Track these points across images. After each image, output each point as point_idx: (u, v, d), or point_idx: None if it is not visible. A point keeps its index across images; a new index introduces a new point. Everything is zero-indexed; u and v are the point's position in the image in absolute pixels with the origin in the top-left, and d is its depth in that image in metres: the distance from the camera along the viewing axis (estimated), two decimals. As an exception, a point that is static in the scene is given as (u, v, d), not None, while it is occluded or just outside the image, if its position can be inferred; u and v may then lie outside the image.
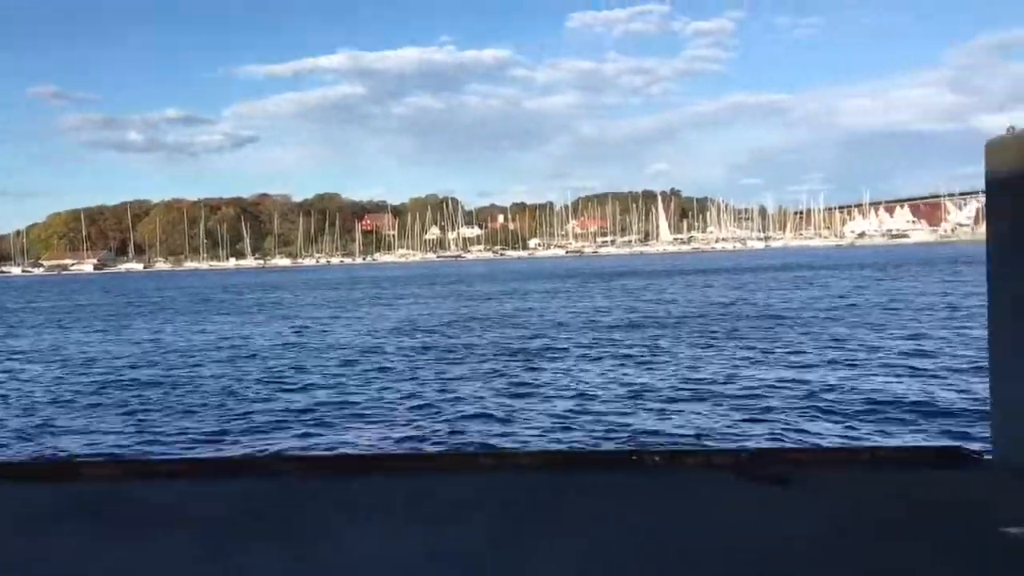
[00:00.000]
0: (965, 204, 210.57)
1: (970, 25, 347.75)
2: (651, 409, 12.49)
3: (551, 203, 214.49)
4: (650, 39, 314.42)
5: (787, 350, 18.73)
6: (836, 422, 11.24)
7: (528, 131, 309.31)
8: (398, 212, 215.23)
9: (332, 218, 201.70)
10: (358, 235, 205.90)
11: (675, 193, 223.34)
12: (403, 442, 10.55)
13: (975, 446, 4.54)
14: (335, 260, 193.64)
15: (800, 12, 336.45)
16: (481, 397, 13.82)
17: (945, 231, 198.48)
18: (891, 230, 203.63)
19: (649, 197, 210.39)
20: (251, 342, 24.88)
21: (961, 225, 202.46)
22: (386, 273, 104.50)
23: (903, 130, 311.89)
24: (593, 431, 11.06)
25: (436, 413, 12.58)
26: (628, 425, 11.33)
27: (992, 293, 4.17)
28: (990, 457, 4.15)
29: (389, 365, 18.54)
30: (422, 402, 13.67)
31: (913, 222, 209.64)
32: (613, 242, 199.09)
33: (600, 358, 18.41)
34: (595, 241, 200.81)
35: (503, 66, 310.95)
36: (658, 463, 4.20)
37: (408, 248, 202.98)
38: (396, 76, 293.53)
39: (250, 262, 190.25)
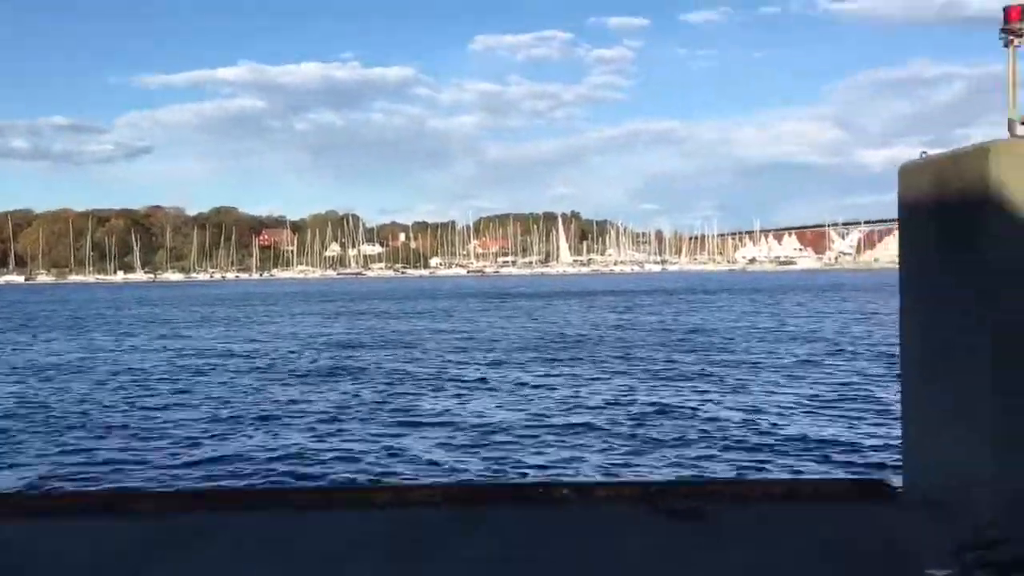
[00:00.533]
0: (848, 233, 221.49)
1: (853, 63, 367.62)
2: (550, 437, 12.23)
3: (453, 222, 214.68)
4: (553, 65, 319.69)
5: (688, 374, 18.97)
6: (744, 452, 11.22)
7: (432, 150, 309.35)
8: (297, 228, 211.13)
9: (228, 232, 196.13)
10: (255, 250, 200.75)
11: (576, 215, 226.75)
12: (286, 475, 10.02)
13: (887, 478, 4.48)
14: (230, 275, 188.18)
15: (697, 44, 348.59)
16: (372, 424, 13.42)
17: (829, 259, 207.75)
18: (779, 257, 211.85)
19: (550, 219, 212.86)
20: (120, 360, 23.77)
21: (844, 253, 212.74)
22: (283, 289, 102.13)
23: (790, 161, 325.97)
24: (493, 462, 10.61)
25: (322, 440, 12.11)
26: (529, 455, 10.99)
27: (903, 315, 4.08)
28: (901, 488, 4.07)
29: (272, 388, 17.91)
30: (308, 429, 13.14)
31: (800, 249, 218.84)
32: (514, 263, 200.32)
33: (498, 383, 18.24)
34: (496, 261, 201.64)
35: (407, 84, 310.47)
36: (567, 496, 4.02)
37: (307, 264, 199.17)
38: (298, 91, 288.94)
39: (140, 276, 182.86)
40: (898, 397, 4.26)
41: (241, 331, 35.85)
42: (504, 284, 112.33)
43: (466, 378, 19.06)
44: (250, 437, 12.53)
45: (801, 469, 10.02)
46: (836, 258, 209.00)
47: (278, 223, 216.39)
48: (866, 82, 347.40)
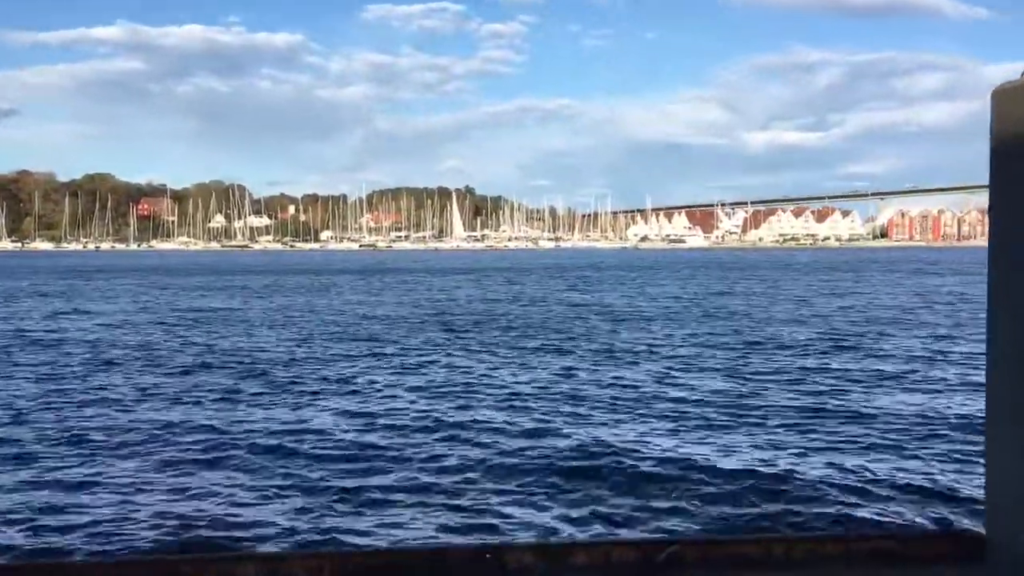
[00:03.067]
0: (734, 213, 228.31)
1: (739, 47, 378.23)
2: (470, 454, 9.58)
3: (345, 196, 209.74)
4: (445, 37, 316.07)
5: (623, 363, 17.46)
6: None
7: (322, 121, 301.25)
8: (179, 198, 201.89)
9: (104, 200, 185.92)
10: (133, 220, 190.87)
11: (469, 191, 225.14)
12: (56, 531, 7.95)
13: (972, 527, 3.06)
14: (105, 246, 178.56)
15: (590, 22, 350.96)
16: (213, 430, 11.44)
17: (717, 237, 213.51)
18: (670, 235, 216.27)
19: (444, 194, 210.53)
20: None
21: (730, 232, 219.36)
22: (165, 262, 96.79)
23: (679, 142, 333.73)
24: (409, 511, 7.76)
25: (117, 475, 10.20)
26: (454, 490, 8.33)
27: (992, 298, 2.49)
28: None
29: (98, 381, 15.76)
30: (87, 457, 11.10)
31: (689, 228, 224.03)
32: (407, 237, 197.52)
33: (392, 375, 16.51)
34: (389, 236, 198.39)
35: (295, 52, 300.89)
36: (530, 566, 2.33)
37: (189, 236, 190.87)
38: (179, 54, 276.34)
39: (5, 244, 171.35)
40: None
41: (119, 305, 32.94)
42: (396, 259, 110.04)
43: (345, 366, 17.27)
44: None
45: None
46: (723, 237, 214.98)
47: (158, 192, 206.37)
48: (750, 66, 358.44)
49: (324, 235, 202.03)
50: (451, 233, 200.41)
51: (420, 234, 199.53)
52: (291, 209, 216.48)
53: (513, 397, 12.98)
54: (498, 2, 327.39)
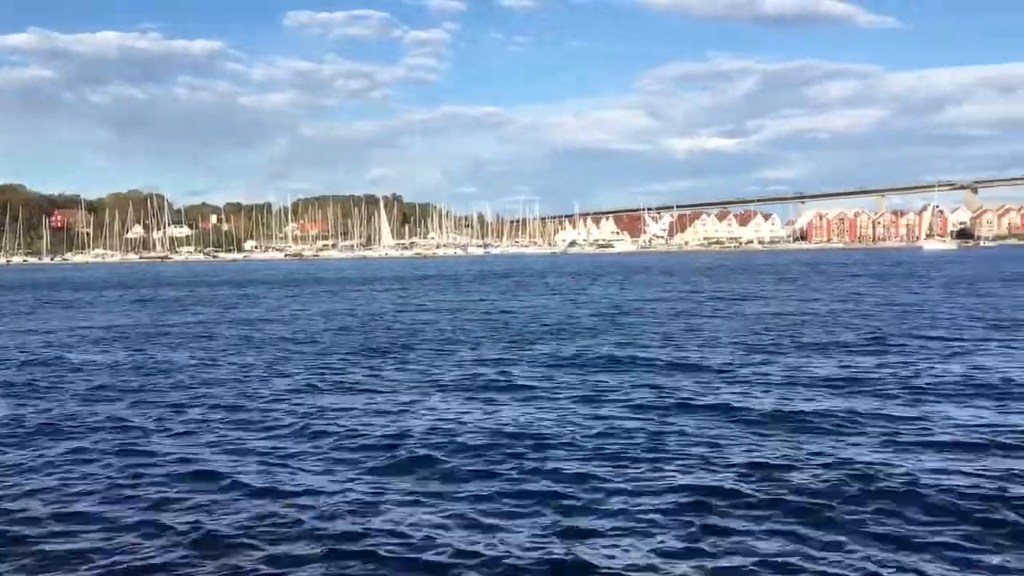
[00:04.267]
0: (660, 218, 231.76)
1: (661, 55, 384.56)
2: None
3: (269, 204, 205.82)
4: (370, 44, 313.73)
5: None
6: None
7: (244, 129, 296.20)
8: (95, 208, 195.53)
9: (15, 212, 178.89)
10: (46, 233, 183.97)
11: (397, 198, 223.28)
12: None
13: None
14: (17, 259, 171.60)
15: (513, 29, 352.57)
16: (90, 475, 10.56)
17: (645, 242, 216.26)
18: (598, 240, 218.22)
19: (371, 201, 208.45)
20: None
21: (657, 237, 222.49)
22: (80, 275, 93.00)
23: (605, 148, 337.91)
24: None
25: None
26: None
27: None
28: None
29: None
30: None
31: (617, 233, 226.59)
32: (335, 246, 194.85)
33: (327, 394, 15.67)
34: (316, 245, 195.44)
35: (215, 59, 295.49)
36: None
37: (106, 248, 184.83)
38: (94, 61, 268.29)
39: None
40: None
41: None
42: (327, 267, 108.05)
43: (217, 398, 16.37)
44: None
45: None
46: (650, 241, 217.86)
47: (72, 203, 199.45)
48: (672, 74, 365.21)
49: (248, 245, 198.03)
50: (379, 241, 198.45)
51: (348, 242, 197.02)
52: (213, 219, 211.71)
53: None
54: (422, 9, 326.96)
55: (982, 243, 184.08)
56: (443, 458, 9.58)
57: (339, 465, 9.46)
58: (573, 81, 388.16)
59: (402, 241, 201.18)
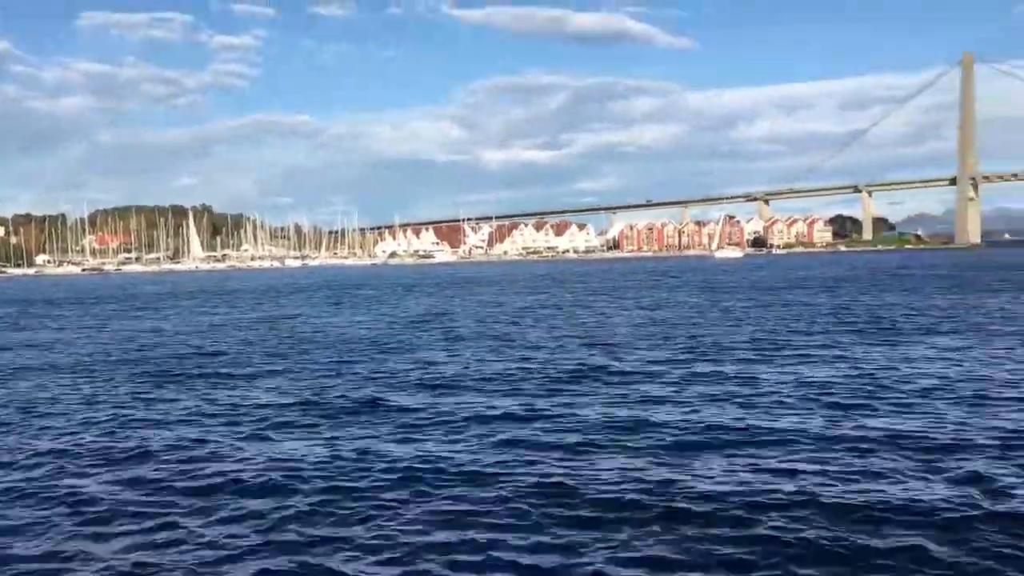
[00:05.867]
0: (480, 228, 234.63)
1: (474, 68, 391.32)
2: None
3: (64, 215, 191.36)
4: (174, 49, 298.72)
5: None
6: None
7: (34, 135, 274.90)
8: None
9: None
10: None
11: (207, 209, 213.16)
12: None
13: None
14: None
15: (326, 38, 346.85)
16: None
17: (465, 252, 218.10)
18: (419, 251, 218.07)
19: (179, 212, 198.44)
20: None
21: (477, 247, 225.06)
22: None
23: (421, 159, 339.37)
24: None
25: None
26: None
27: None
28: None
29: None
30: None
31: (437, 244, 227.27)
32: (138, 259, 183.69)
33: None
34: (117, 258, 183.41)
35: (1, 60, 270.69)
36: None
37: None
38: None
39: None
40: None
41: None
42: (127, 283, 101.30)
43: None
44: None
45: None
46: (470, 251, 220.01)
47: None
48: (487, 87, 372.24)
49: (40, 259, 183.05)
50: (188, 254, 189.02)
51: (153, 255, 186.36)
52: (0, 231, 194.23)
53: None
54: (228, 14, 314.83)
55: (774, 251, 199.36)
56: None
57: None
58: (389, 91, 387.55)
59: (213, 254, 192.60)
